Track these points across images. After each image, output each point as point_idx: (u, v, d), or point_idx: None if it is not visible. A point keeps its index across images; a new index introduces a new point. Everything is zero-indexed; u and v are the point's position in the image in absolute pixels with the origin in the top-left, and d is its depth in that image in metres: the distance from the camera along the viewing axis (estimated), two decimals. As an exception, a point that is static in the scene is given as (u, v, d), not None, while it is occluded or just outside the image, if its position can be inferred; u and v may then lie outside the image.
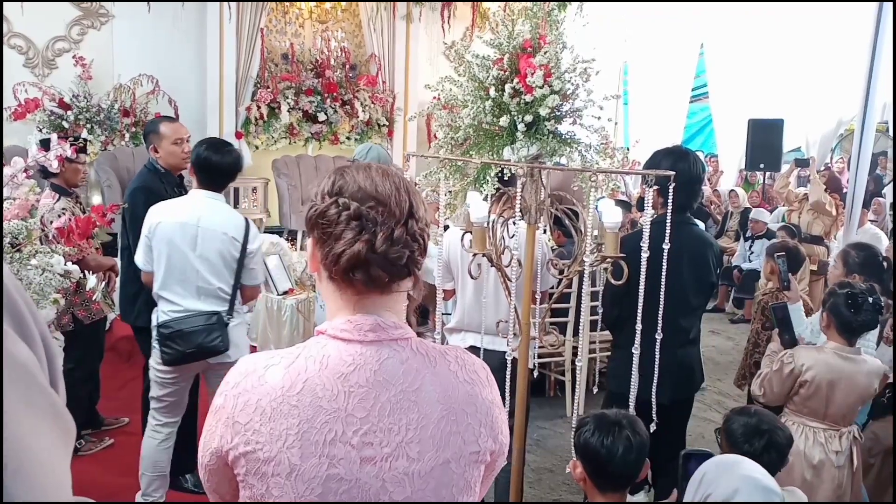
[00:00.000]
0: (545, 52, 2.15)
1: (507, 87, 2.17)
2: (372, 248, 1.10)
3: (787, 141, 9.76)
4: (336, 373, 1.10)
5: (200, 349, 3.05)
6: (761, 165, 9.31)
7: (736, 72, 10.97)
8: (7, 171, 2.80)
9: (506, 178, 2.54)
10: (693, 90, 11.95)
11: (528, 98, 2.15)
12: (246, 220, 3.18)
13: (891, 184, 9.40)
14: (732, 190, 9.07)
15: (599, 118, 2.37)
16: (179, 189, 3.61)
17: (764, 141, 9.12)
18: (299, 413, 1.08)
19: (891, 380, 3.69)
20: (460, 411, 1.15)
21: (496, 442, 1.19)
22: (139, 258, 3.19)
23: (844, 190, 7.77)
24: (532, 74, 2.13)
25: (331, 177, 1.18)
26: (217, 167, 3.08)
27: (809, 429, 2.91)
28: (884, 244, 6.85)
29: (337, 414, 1.08)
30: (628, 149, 10.87)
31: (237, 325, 3.20)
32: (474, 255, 2.24)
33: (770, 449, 2.21)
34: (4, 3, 6.60)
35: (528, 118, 2.19)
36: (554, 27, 2.32)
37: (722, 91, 11.42)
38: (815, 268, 6.27)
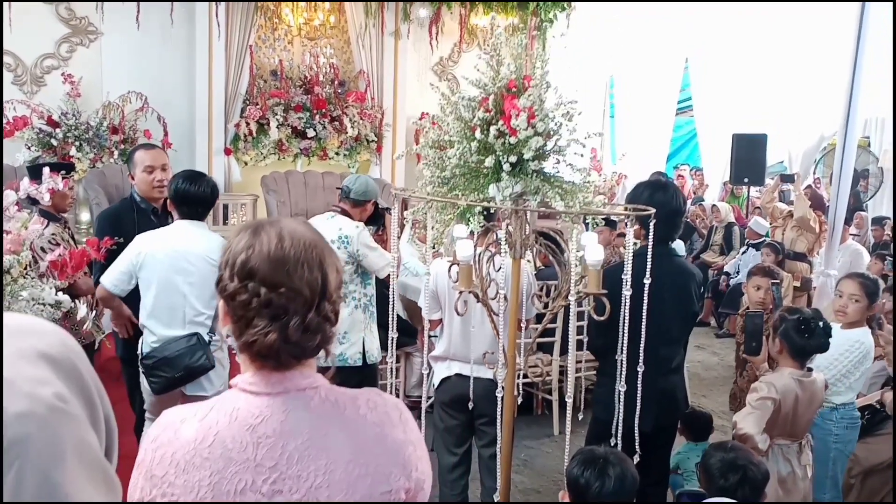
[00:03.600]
0: (529, 96, 2.20)
1: (492, 128, 2.22)
2: (285, 339, 1.14)
3: (770, 155, 9.88)
4: (245, 425, 1.15)
5: (188, 371, 3.08)
6: (745, 180, 9.42)
7: (719, 86, 11.11)
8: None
9: (491, 212, 2.60)
10: (678, 103, 12.09)
11: (512, 140, 2.21)
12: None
13: (872, 198, 9.53)
14: (714, 205, 9.17)
15: (583, 155, 2.43)
16: (157, 219, 3.60)
17: (748, 155, 9.23)
18: (210, 465, 1.13)
19: (871, 402, 3.78)
20: (369, 453, 1.18)
21: (409, 479, 1.22)
22: (110, 279, 3.19)
23: (827, 204, 7.89)
24: (516, 117, 2.18)
25: (242, 244, 1.17)
26: (196, 198, 3.14)
27: (777, 446, 2.97)
28: (865, 259, 6.97)
29: (247, 464, 1.13)
30: (614, 162, 10.99)
31: (225, 358, 3.24)
32: (461, 292, 2.29)
33: (744, 484, 2.26)
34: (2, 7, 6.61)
35: (513, 158, 2.24)
36: (540, 64, 2.38)
37: (706, 105, 11.56)
38: (798, 284, 6.37)
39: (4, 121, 7.20)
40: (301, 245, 1.17)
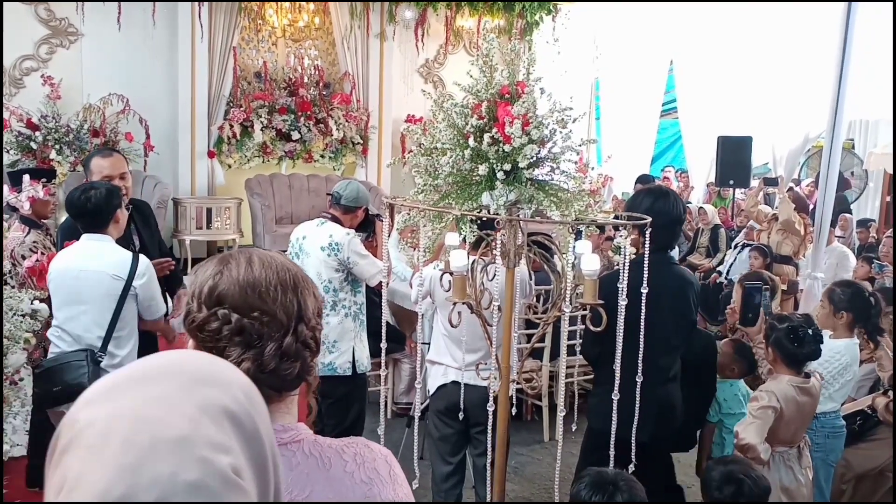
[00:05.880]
0: (523, 102, 2.16)
1: (486, 136, 2.18)
2: (261, 367, 1.03)
3: (755, 157, 9.92)
4: None
5: (66, 387, 2.90)
6: (731, 182, 9.44)
7: (704, 88, 11.15)
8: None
9: (485, 220, 2.56)
10: (663, 105, 12.12)
11: (506, 148, 2.17)
12: (135, 257, 3.07)
13: (856, 201, 9.60)
14: (701, 207, 9.19)
15: (576, 163, 2.39)
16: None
17: (733, 158, 9.25)
18: None
19: (862, 407, 3.77)
20: None
21: None
22: None
23: (812, 207, 7.92)
24: (510, 124, 2.14)
25: (209, 272, 1.08)
26: (81, 210, 3.00)
27: (777, 454, 2.96)
28: (851, 262, 6.99)
29: None
30: (600, 164, 11.01)
31: None
32: (455, 303, 2.24)
33: (738, 496, 2.24)
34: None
35: (507, 166, 2.20)
36: (530, 69, 2.34)
37: (690, 107, 11.59)
38: (785, 287, 6.37)
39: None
40: (273, 268, 1.08)
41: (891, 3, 5.69)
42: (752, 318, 3.20)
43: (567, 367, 4.71)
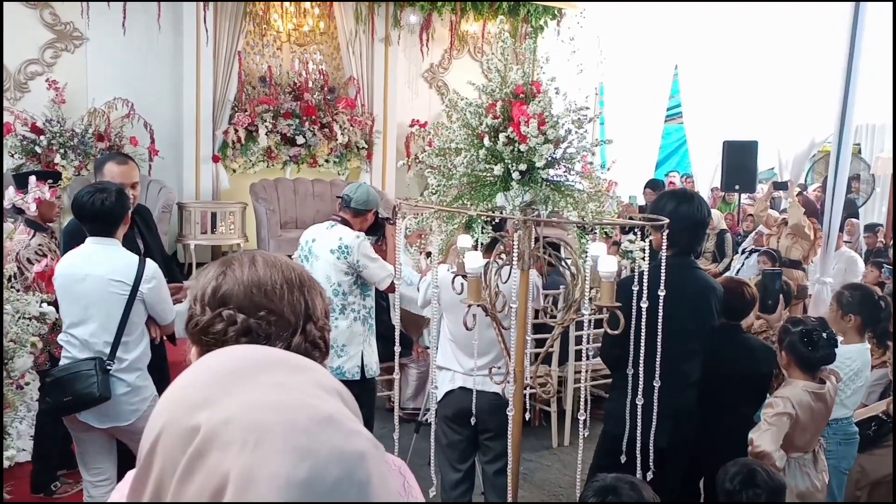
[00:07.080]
0: (539, 101, 2.13)
1: (501, 136, 2.14)
2: None
3: (761, 161, 9.88)
4: None
5: (76, 396, 2.86)
6: (736, 187, 9.40)
7: (709, 92, 11.13)
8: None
9: (497, 222, 2.53)
10: (667, 110, 12.09)
11: (522, 147, 2.13)
12: (142, 261, 2.99)
13: (864, 205, 9.55)
14: (708, 211, 9.13)
15: (592, 163, 2.36)
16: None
17: (739, 162, 9.21)
18: None
19: (877, 412, 3.72)
20: None
21: None
22: None
23: (821, 210, 7.87)
24: (526, 123, 2.11)
25: (211, 274, 1.05)
26: (91, 212, 2.91)
27: (793, 459, 2.92)
28: (860, 267, 6.95)
29: None
30: (607, 169, 10.98)
31: (130, 391, 2.97)
32: (469, 305, 2.20)
33: (750, 486, 2.21)
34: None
35: (523, 166, 2.17)
36: (545, 63, 2.31)
37: (695, 111, 11.56)
38: (794, 292, 6.32)
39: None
40: (278, 267, 1.05)
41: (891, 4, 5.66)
42: (773, 305, 3.15)
43: (576, 373, 4.68)
